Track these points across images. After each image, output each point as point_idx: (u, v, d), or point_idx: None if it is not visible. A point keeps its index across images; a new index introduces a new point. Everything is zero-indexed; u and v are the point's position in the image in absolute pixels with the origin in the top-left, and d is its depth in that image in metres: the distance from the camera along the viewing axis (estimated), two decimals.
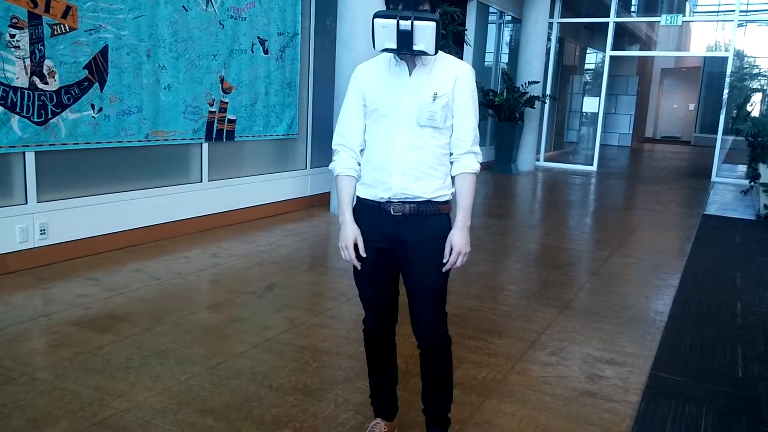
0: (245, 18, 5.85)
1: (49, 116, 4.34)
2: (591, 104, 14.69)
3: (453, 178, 2.24)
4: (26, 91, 4.18)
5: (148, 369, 3.00)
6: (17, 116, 4.15)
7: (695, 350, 3.54)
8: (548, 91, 12.53)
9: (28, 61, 4.15)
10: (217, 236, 5.61)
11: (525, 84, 11.29)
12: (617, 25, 12.53)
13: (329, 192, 7.00)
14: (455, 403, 2.45)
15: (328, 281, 4.61)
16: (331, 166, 2.31)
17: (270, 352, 3.25)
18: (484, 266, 5.07)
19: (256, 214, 6.37)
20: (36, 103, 4.24)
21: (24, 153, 4.28)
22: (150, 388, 2.82)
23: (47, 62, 4.27)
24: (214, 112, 5.69)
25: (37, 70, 4.21)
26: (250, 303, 4.01)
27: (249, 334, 3.49)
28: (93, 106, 4.61)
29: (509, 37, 12.65)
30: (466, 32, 9.06)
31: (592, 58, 17.84)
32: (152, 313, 3.72)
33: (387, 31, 1.98)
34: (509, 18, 12.22)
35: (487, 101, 11.04)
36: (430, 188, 2.17)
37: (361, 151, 2.26)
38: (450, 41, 7.45)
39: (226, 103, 5.80)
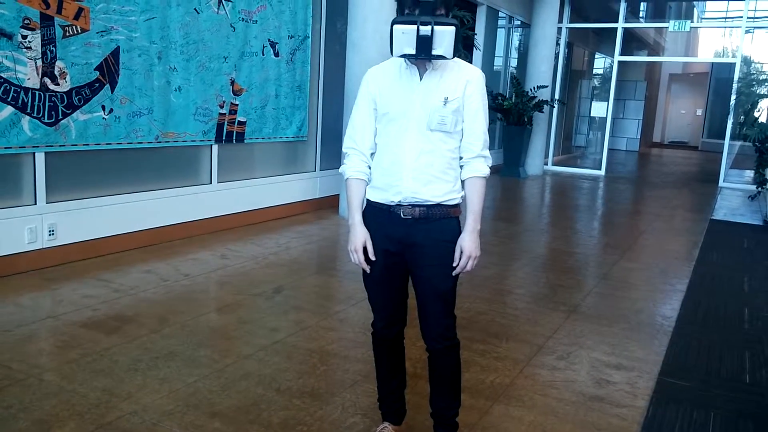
0: (256, 21, 5.87)
1: (60, 117, 4.36)
2: (599, 109, 14.65)
3: (463, 181, 2.24)
4: (37, 92, 4.20)
5: (155, 371, 3.01)
6: (28, 117, 4.17)
7: (703, 355, 3.53)
8: (557, 96, 12.52)
9: (39, 62, 4.18)
10: (226, 238, 5.62)
11: (534, 88, 11.29)
12: (625, 30, 12.51)
13: (338, 194, 7.01)
14: (463, 407, 2.45)
15: (336, 284, 4.61)
16: (341, 169, 2.32)
17: (278, 355, 3.26)
18: (492, 270, 5.06)
19: (265, 216, 6.38)
20: (47, 103, 4.27)
21: (34, 153, 4.31)
22: (157, 390, 2.82)
23: (59, 63, 4.29)
24: (225, 114, 5.70)
25: (48, 71, 4.24)
26: (258, 305, 4.01)
27: (257, 336, 3.49)
28: (104, 108, 4.63)
29: (518, 42, 12.64)
30: (475, 36, 9.06)
31: (600, 63, 17.80)
32: (160, 315, 3.73)
33: (406, 36, 1.98)
34: (518, 22, 12.21)
35: (496, 105, 11.03)
36: (440, 192, 2.17)
37: (372, 154, 2.26)
38: (460, 45, 7.45)
39: (237, 105, 5.82)
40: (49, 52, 4.22)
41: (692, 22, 14.04)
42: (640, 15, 16.28)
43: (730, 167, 12.05)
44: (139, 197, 5.09)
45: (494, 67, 11.77)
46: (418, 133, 2.14)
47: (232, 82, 5.73)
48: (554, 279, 4.96)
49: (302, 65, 6.54)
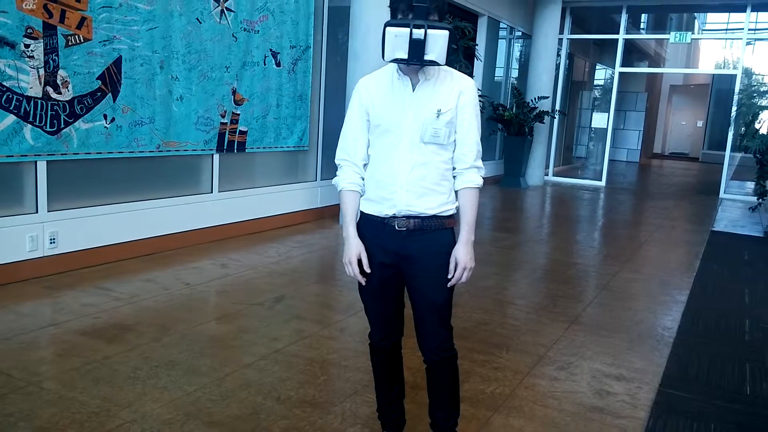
0: (258, 31, 5.90)
1: (62, 126, 4.38)
2: (600, 120, 14.69)
3: (456, 192, 2.23)
4: (39, 101, 4.22)
5: (155, 380, 3.01)
6: (30, 125, 4.19)
7: (703, 367, 3.52)
8: (557, 107, 12.55)
9: (42, 71, 4.20)
10: (227, 247, 5.62)
11: (534, 99, 11.32)
12: (626, 41, 12.55)
13: (339, 204, 7.01)
14: (463, 417, 2.45)
15: (337, 293, 4.61)
16: (334, 181, 2.31)
17: (278, 364, 3.25)
18: (492, 280, 5.06)
19: (266, 226, 6.39)
20: (49, 112, 4.28)
21: (36, 162, 4.32)
22: (157, 399, 2.82)
23: (61, 72, 4.31)
24: (226, 123, 5.72)
25: (50, 80, 4.26)
26: (258, 314, 4.01)
27: (257, 345, 3.49)
28: (105, 117, 4.65)
29: (519, 53, 12.68)
30: (476, 47, 9.10)
31: (601, 74, 17.85)
32: (161, 324, 3.72)
33: (399, 40, 1.96)
34: (519, 33, 12.26)
35: (496, 116, 11.06)
36: (435, 204, 2.16)
37: (365, 165, 2.24)
38: (461, 56, 7.49)
39: (238, 114, 5.84)
40: (51, 61, 4.24)
41: (693, 33, 14.11)
42: (641, 26, 16.35)
43: (730, 179, 12.05)
44: (140, 206, 5.09)
45: (495, 78, 11.81)
46: (411, 146, 2.12)
47: (234, 92, 5.75)
48: (555, 289, 4.96)
49: (304, 75, 6.56)
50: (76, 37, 4.37)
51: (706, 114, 21.38)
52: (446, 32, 1.97)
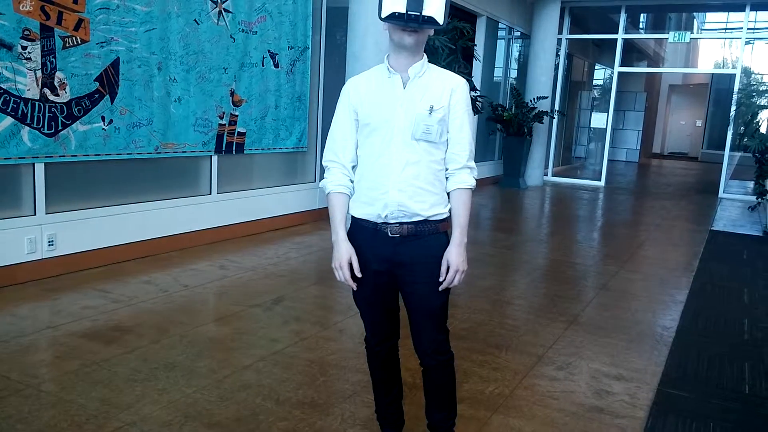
0: (256, 32, 5.89)
1: (60, 128, 4.38)
2: (599, 120, 14.69)
3: (448, 194, 2.19)
4: (37, 103, 4.21)
5: (154, 382, 3.00)
6: (28, 127, 4.19)
7: (702, 366, 3.52)
8: (557, 107, 12.54)
9: (39, 73, 4.20)
10: (226, 249, 5.62)
11: (533, 99, 11.31)
12: (625, 41, 12.55)
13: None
14: (462, 417, 2.45)
15: (335, 294, 4.60)
16: (321, 183, 2.26)
17: (277, 366, 3.25)
18: (491, 280, 5.06)
19: (265, 227, 6.39)
20: (47, 114, 4.28)
21: (34, 164, 4.32)
22: (156, 401, 2.82)
23: (58, 74, 4.31)
24: (224, 124, 5.72)
25: (48, 82, 4.25)
26: (257, 316, 4.01)
27: (256, 347, 3.49)
28: (103, 118, 4.65)
29: (518, 53, 12.68)
30: (475, 47, 9.09)
31: (600, 74, 17.85)
32: (159, 326, 3.72)
33: None
34: (518, 34, 12.26)
35: (495, 116, 11.06)
36: (428, 204, 2.12)
37: (353, 167, 2.20)
38: (459, 56, 7.48)
39: (236, 116, 5.83)
40: (48, 63, 4.24)
41: (692, 33, 14.09)
42: (640, 26, 16.35)
43: (730, 178, 12.06)
44: (138, 208, 5.09)
45: (494, 78, 11.81)
46: (402, 144, 2.08)
47: (232, 93, 5.75)
48: (554, 289, 4.96)
49: (302, 76, 6.56)
50: (74, 38, 4.36)
51: (705, 113, 21.38)
52: None
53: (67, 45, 4.33)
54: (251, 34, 5.85)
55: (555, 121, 12.62)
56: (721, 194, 11.44)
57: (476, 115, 9.39)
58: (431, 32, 2.15)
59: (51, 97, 4.29)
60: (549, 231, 7.86)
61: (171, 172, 5.41)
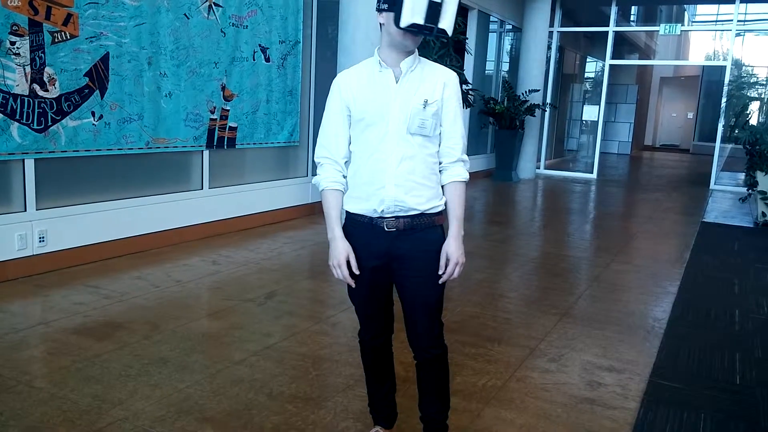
0: (247, 26, 5.87)
1: (49, 123, 4.35)
2: (591, 112, 14.72)
3: (443, 186, 2.19)
4: (26, 99, 4.19)
5: (146, 377, 3.00)
6: (17, 123, 4.16)
7: (694, 357, 3.54)
8: (548, 100, 12.56)
9: (28, 69, 4.17)
10: (218, 244, 5.61)
11: (525, 92, 11.33)
12: (616, 34, 12.58)
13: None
14: (455, 410, 2.45)
15: (328, 289, 4.60)
16: (315, 180, 2.24)
17: (270, 360, 3.25)
18: (484, 273, 5.07)
19: (257, 222, 6.38)
20: (36, 110, 4.25)
21: (23, 160, 4.29)
22: (148, 396, 2.81)
23: (47, 69, 4.28)
24: (215, 119, 5.70)
25: (37, 78, 4.23)
26: (250, 310, 4.00)
27: (249, 341, 3.48)
28: (93, 114, 4.62)
29: (510, 46, 12.68)
30: (467, 40, 9.08)
31: (591, 67, 17.88)
32: (151, 321, 3.71)
33: (417, 4, 1.92)
34: (510, 27, 12.26)
35: (487, 109, 11.06)
36: (424, 198, 2.12)
37: (346, 163, 2.19)
38: (451, 49, 7.47)
39: (228, 110, 5.81)
40: (37, 59, 4.21)
41: (683, 25, 14.13)
42: (631, 19, 16.37)
43: (720, 170, 12.11)
44: (129, 203, 5.07)
45: (486, 71, 11.80)
46: (398, 138, 2.08)
47: (223, 88, 5.72)
48: (546, 282, 4.97)
49: (293, 70, 6.54)
50: (63, 33, 4.34)
51: (697, 105, 21.46)
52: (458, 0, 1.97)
53: (56, 40, 4.30)
54: (242, 28, 5.82)
55: (547, 114, 12.64)
56: (712, 186, 11.50)
57: (468, 109, 9.39)
58: None
59: (40, 93, 4.26)
60: (541, 224, 7.88)
61: (162, 167, 5.39)
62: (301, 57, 6.60)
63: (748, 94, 10.05)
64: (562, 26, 12.97)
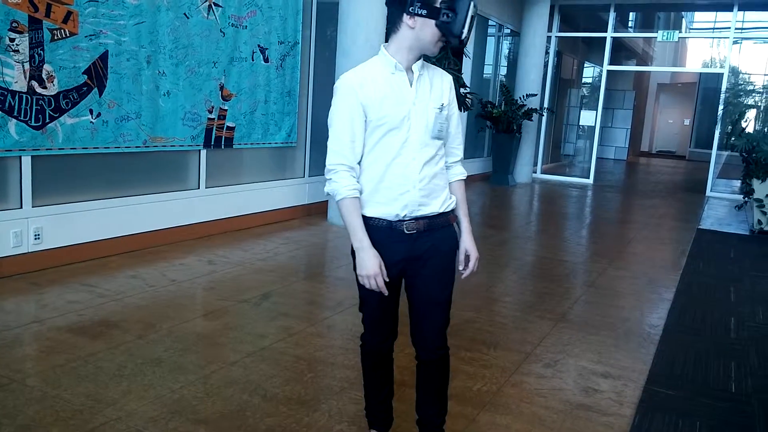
0: (246, 26, 5.86)
1: (47, 121, 4.33)
2: (588, 118, 14.73)
3: (449, 185, 2.25)
4: (24, 95, 4.17)
5: (140, 377, 2.99)
6: (15, 120, 4.14)
7: (689, 364, 3.54)
8: (546, 104, 12.58)
9: (27, 66, 4.15)
10: (214, 243, 5.59)
11: (523, 96, 11.33)
12: (614, 40, 12.60)
13: (327, 201, 6.99)
14: (450, 415, 2.44)
15: (324, 290, 4.60)
16: (330, 188, 2.11)
17: (264, 361, 3.24)
18: (480, 277, 5.06)
19: (254, 222, 6.36)
20: (34, 107, 4.24)
21: (20, 157, 4.27)
22: (142, 396, 2.80)
23: (46, 67, 4.26)
24: (213, 119, 5.69)
25: (36, 75, 4.21)
26: (245, 311, 3.99)
27: (244, 342, 3.47)
28: (91, 111, 4.61)
29: (508, 50, 12.71)
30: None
31: (589, 72, 17.91)
32: (146, 321, 3.70)
33: (471, 18, 1.99)
34: (508, 31, 12.28)
35: (485, 113, 11.07)
36: (441, 200, 2.16)
37: (358, 167, 2.15)
38: (449, 53, 7.48)
39: (226, 110, 5.80)
40: (36, 56, 4.19)
41: (680, 32, 14.17)
42: (629, 25, 16.41)
43: (717, 177, 12.14)
44: (126, 202, 5.06)
45: (484, 75, 11.82)
46: (419, 143, 2.08)
47: (221, 87, 5.71)
48: (542, 287, 4.97)
49: (292, 71, 6.53)
50: (62, 31, 4.32)
51: (693, 112, 21.50)
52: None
53: (56, 37, 4.29)
54: (241, 28, 5.82)
55: (544, 118, 12.67)
56: (708, 193, 11.52)
57: (466, 112, 9.40)
58: None
59: (39, 90, 4.24)
60: (538, 228, 7.88)
61: (159, 166, 5.38)
62: (299, 58, 6.60)
63: (745, 101, 10.08)
64: (560, 31, 12.99)
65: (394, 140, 2.07)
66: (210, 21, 5.48)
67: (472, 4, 1.98)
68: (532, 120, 11.43)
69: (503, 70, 12.63)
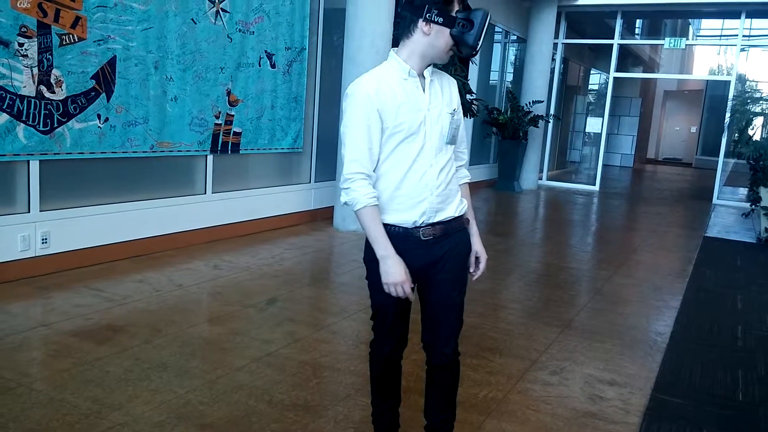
0: (253, 32, 5.88)
1: (55, 125, 4.36)
2: (594, 124, 14.73)
3: None
4: (33, 100, 4.19)
5: (146, 382, 2.99)
6: (23, 124, 4.16)
7: (696, 372, 3.52)
8: (552, 111, 12.57)
9: (35, 70, 4.18)
10: (220, 248, 5.60)
11: (529, 103, 11.33)
12: (621, 47, 12.59)
13: (333, 206, 6.99)
14: (456, 421, 2.44)
15: (330, 296, 4.60)
16: (349, 198, 2.05)
17: (270, 367, 3.24)
18: (486, 284, 5.05)
19: (260, 227, 6.37)
20: (42, 111, 4.26)
21: (28, 161, 4.29)
22: (148, 401, 2.80)
23: (55, 71, 4.29)
24: (220, 124, 5.70)
25: (44, 79, 4.24)
26: (251, 316, 3.99)
27: (249, 348, 3.47)
28: (99, 116, 4.63)
29: (514, 57, 12.71)
30: None
31: (595, 79, 17.91)
32: (152, 325, 3.70)
33: (483, 29, 2.03)
34: (514, 38, 12.29)
35: (491, 119, 11.08)
36: (455, 204, 2.18)
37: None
38: (456, 59, 7.49)
39: (232, 115, 5.82)
40: (45, 60, 4.22)
41: (687, 39, 14.17)
42: (636, 32, 16.41)
43: (724, 185, 12.10)
44: (133, 206, 5.07)
45: (490, 82, 11.83)
46: (436, 150, 2.09)
47: (228, 93, 5.73)
48: (548, 294, 4.96)
49: (299, 77, 6.55)
50: (71, 36, 4.35)
51: (700, 120, 21.46)
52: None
53: (64, 42, 4.31)
54: (248, 34, 5.84)
55: (550, 125, 12.66)
56: (715, 200, 11.48)
57: (472, 119, 9.41)
58: None
59: (47, 95, 4.27)
60: (543, 235, 7.87)
61: (166, 171, 5.40)
62: (306, 64, 6.62)
63: (752, 109, 10.05)
64: (566, 38, 13.00)
65: (411, 147, 2.07)
66: (217, 27, 5.50)
67: (487, 15, 2.02)
68: (538, 127, 11.42)
69: (509, 77, 12.64)
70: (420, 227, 2.10)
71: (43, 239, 4.44)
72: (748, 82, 11.90)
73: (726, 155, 11.46)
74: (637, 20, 15.95)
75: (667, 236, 7.92)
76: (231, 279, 4.75)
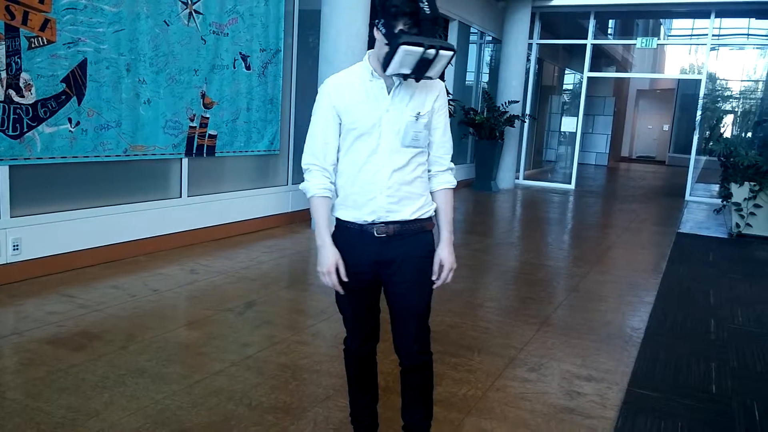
0: (227, 34, 5.85)
1: (25, 130, 4.29)
2: (569, 124, 14.87)
3: (432, 193, 2.23)
4: (1, 104, 4.12)
5: (123, 388, 2.95)
6: None
7: (671, 366, 3.57)
8: (528, 111, 12.66)
9: (3, 74, 4.11)
10: (196, 252, 5.56)
11: (505, 103, 11.41)
12: (594, 47, 12.72)
13: (310, 209, 6.95)
14: (435, 420, 2.45)
15: (308, 298, 4.58)
16: (302, 186, 2.19)
17: (249, 370, 3.22)
18: (464, 283, 5.07)
19: (237, 230, 6.33)
20: (11, 116, 4.19)
21: None
22: (125, 407, 2.77)
23: (24, 75, 4.22)
24: (195, 127, 5.66)
25: (13, 83, 4.17)
26: (228, 320, 3.97)
27: (227, 351, 3.45)
28: (70, 120, 4.57)
29: (490, 57, 12.78)
30: None
31: (570, 79, 18.08)
32: (128, 331, 3.66)
33: (409, 58, 1.90)
34: (490, 38, 12.35)
35: (467, 120, 11.12)
36: (414, 207, 2.15)
37: (333, 169, 2.18)
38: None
39: (207, 118, 5.78)
40: (13, 64, 4.15)
41: (659, 39, 14.35)
42: (609, 32, 16.59)
43: (695, 181, 12.27)
44: (106, 211, 5.01)
45: (466, 82, 11.88)
46: (390, 151, 2.09)
47: (203, 95, 5.69)
48: (525, 292, 4.99)
49: (274, 79, 6.52)
50: (40, 39, 4.28)
51: (672, 118, 21.75)
52: (452, 53, 1.95)
53: (33, 45, 4.25)
54: (222, 35, 5.80)
55: (526, 125, 12.74)
56: (687, 197, 11.65)
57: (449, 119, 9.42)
58: None
59: (16, 99, 4.20)
60: (520, 234, 7.92)
61: (140, 175, 5.34)
62: (282, 65, 6.59)
63: (723, 107, 10.21)
64: (541, 38, 13.10)
65: (364, 146, 2.10)
66: (191, 28, 5.46)
67: (401, 45, 1.88)
68: (514, 126, 11.50)
69: (485, 77, 12.71)
70: (374, 224, 2.12)
71: (14, 246, 4.37)
72: (718, 81, 12.08)
73: (698, 152, 11.63)
74: (610, 20, 16.12)
75: (641, 233, 8.02)
76: (208, 283, 4.72)
